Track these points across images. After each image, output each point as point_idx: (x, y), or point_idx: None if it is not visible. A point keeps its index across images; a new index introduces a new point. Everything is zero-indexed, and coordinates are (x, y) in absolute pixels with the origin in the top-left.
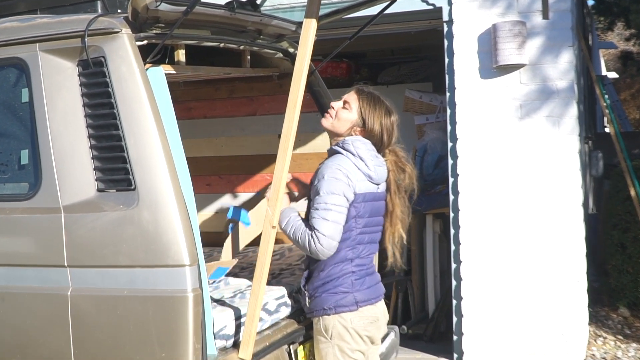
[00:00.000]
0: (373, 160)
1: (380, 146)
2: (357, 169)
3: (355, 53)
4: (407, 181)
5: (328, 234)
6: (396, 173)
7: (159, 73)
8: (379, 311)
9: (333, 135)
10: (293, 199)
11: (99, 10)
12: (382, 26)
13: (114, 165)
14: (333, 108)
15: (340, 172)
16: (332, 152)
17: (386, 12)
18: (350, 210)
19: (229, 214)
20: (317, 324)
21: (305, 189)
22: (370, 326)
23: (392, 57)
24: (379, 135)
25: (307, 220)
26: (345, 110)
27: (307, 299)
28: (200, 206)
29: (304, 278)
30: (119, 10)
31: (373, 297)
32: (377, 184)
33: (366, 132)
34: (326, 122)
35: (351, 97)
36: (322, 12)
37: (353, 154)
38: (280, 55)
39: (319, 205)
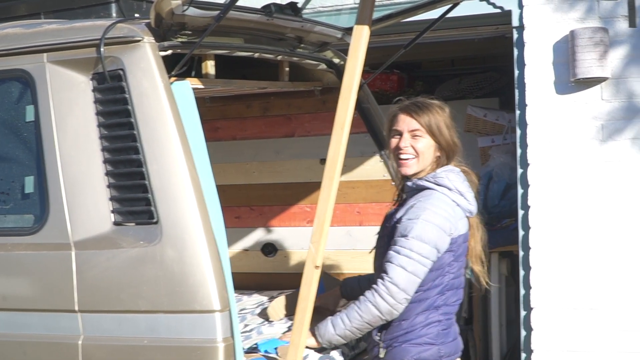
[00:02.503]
0: (470, 192)
1: (457, 149)
2: (457, 206)
3: (408, 63)
4: (474, 185)
5: (402, 286)
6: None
7: (186, 88)
8: None
9: (418, 176)
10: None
11: (114, 15)
12: (440, 32)
13: (133, 195)
14: (404, 148)
15: (440, 216)
16: (418, 189)
17: (446, 16)
18: (446, 255)
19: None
20: None
21: (334, 298)
22: None
23: (452, 68)
24: (451, 139)
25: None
26: (419, 139)
27: (380, 349)
28: (227, 242)
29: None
30: (137, 15)
31: (455, 352)
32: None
33: (446, 146)
34: (411, 168)
35: (406, 121)
36: (374, 15)
37: (450, 189)
38: (323, 66)
39: (401, 249)
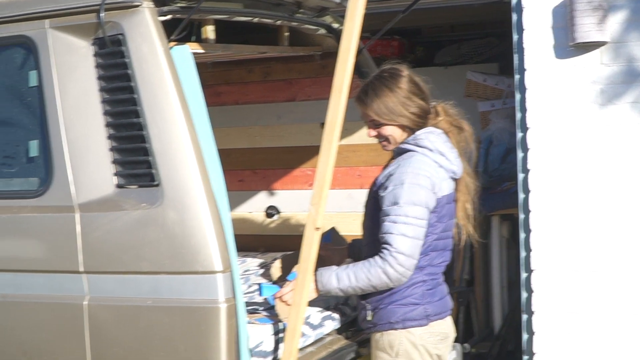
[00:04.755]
0: (452, 152)
1: (427, 112)
2: (439, 167)
3: (409, 29)
4: (465, 142)
5: (409, 253)
6: (454, 134)
7: (185, 52)
8: (449, 327)
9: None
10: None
11: None
12: None
13: (135, 158)
14: (378, 136)
15: (423, 177)
16: (401, 152)
17: None
18: (430, 216)
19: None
20: (380, 339)
21: (341, 255)
22: (440, 344)
23: (452, 34)
24: (416, 108)
25: (369, 239)
26: (381, 127)
27: (367, 311)
28: (231, 205)
29: None
30: None
31: (444, 311)
32: (455, 180)
33: (412, 120)
34: (388, 147)
35: (364, 114)
36: None
37: (431, 150)
38: (322, 31)
39: (397, 217)
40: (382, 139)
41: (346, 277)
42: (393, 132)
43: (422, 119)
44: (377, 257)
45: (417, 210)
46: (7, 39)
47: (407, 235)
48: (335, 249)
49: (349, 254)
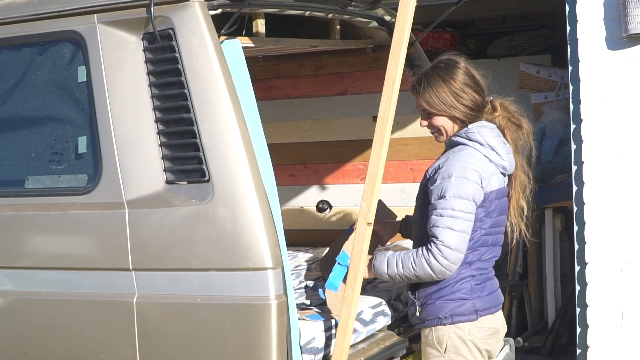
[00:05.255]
0: (503, 147)
1: (481, 106)
2: (490, 162)
3: (461, 21)
4: (523, 140)
5: (455, 246)
6: (511, 131)
7: (236, 46)
8: (499, 322)
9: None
10: (379, 242)
11: None
12: None
13: (185, 154)
14: (429, 126)
15: (471, 170)
16: (453, 144)
17: None
18: (477, 210)
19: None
20: (429, 335)
21: (393, 229)
22: (490, 339)
23: (504, 25)
24: (469, 100)
25: (418, 233)
26: (433, 118)
27: (416, 307)
28: (282, 199)
29: (410, 285)
30: None
31: (493, 306)
32: (507, 176)
33: (464, 113)
34: (441, 138)
35: (417, 104)
36: None
37: (481, 144)
38: (374, 24)
39: (443, 211)
40: (434, 129)
41: (395, 265)
42: (444, 123)
43: (475, 112)
44: (423, 248)
45: (463, 203)
46: (56, 34)
47: (453, 228)
48: (386, 222)
49: (400, 229)
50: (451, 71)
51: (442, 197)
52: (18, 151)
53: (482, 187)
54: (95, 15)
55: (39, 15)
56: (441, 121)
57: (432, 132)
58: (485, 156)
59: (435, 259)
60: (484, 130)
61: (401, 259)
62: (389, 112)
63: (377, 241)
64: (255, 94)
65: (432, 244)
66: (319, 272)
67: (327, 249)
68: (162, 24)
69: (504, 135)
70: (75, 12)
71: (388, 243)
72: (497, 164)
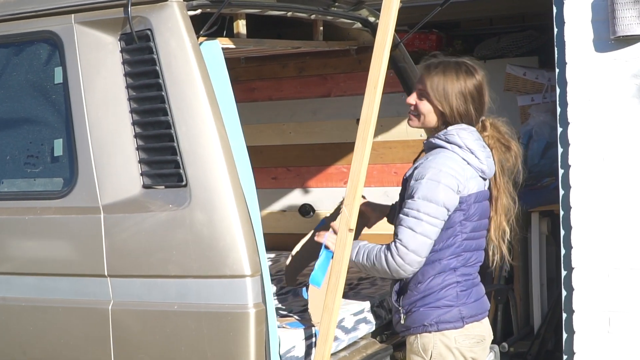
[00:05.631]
0: (483, 151)
1: (470, 120)
2: (468, 165)
3: (447, 22)
4: (511, 162)
5: (412, 248)
6: (500, 152)
7: (215, 48)
8: (485, 329)
9: (428, 132)
10: (365, 224)
11: None
12: None
13: (162, 157)
14: (412, 104)
15: (445, 174)
16: (431, 146)
17: None
18: (456, 214)
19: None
20: (414, 343)
21: (381, 212)
22: (476, 346)
23: (491, 27)
24: (464, 108)
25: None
26: (424, 101)
27: (401, 314)
28: (264, 203)
29: (394, 292)
30: None
31: (480, 313)
32: (487, 180)
33: (451, 115)
34: (413, 123)
35: (421, 81)
36: None
37: (460, 147)
38: (358, 25)
39: (409, 211)
40: (415, 112)
41: (362, 254)
42: (429, 112)
43: (462, 121)
44: (387, 244)
45: (431, 207)
46: (32, 35)
47: (414, 230)
48: (375, 205)
49: (388, 216)
50: (469, 76)
51: (410, 197)
52: None
53: (457, 192)
54: (72, 15)
55: (15, 15)
56: (428, 108)
57: (411, 112)
58: (464, 159)
59: (392, 257)
60: (463, 132)
61: (368, 250)
62: (372, 115)
63: (364, 223)
64: (237, 95)
65: (393, 242)
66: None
67: (290, 254)
68: (139, 24)
69: (492, 156)
70: (52, 12)
71: None
72: (475, 167)
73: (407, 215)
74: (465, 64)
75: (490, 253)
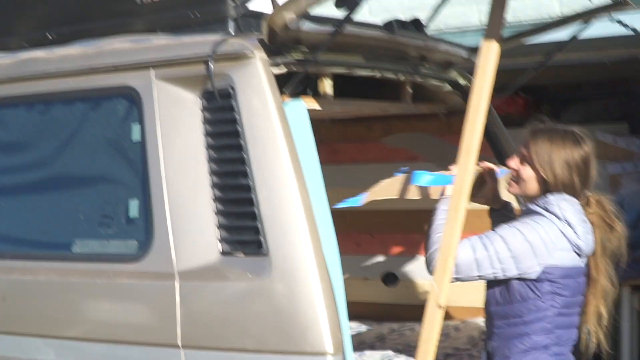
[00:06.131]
0: (582, 225)
1: (573, 191)
2: (563, 236)
3: (534, 86)
4: (615, 243)
5: (458, 262)
6: (603, 231)
7: (300, 108)
8: None
9: (526, 200)
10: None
11: (231, 32)
12: (568, 54)
13: (241, 223)
14: (513, 169)
15: (534, 233)
16: (529, 212)
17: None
18: (544, 285)
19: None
20: None
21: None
22: None
23: (580, 91)
24: (568, 179)
25: None
26: (527, 167)
27: None
28: (346, 270)
29: None
30: (256, 33)
31: None
32: (584, 256)
33: (554, 184)
34: (513, 189)
35: (526, 146)
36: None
37: (559, 218)
38: (448, 87)
39: (483, 237)
40: (516, 177)
41: (436, 220)
42: (531, 178)
43: (564, 191)
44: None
45: (502, 248)
46: (110, 90)
47: (474, 252)
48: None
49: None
50: (576, 145)
51: (493, 230)
52: (66, 212)
53: (537, 258)
54: (152, 70)
55: (94, 68)
56: (530, 175)
57: (511, 178)
58: (560, 230)
59: (434, 256)
60: (563, 203)
61: (439, 220)
62: (465, 184)
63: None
64: (320, 157)
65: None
66: (383, 349)
67: (394, 324)
68: (221, 81)
69: (593, 233)
70: (132, 66)
71: None
72: (571, 240)
73: (480, 238)
74: (574, 132)
75: (584, 335)
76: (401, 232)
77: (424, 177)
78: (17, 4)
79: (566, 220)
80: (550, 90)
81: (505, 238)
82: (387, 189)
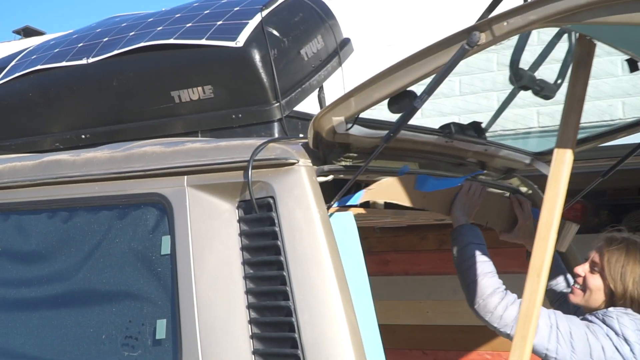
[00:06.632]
0: None
1: (639, 308)
2: (617, 353)
3: (592, 191)
4: None
5: (513, 316)
6: None
7: (348, 220)
8: None
9: (588, 310)
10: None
11: (276, 134)
12: (629, 159)
13: (280, 350)
14: (580, 276)
15: (594, 339)
16: (585, 320)
17: None
18: None
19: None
20: None
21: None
22: None
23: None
24: (638, 294)
25: None
26: (596, 276)
27: None
28: None
29: None
30: (301, 135)
31: None
32: None
33: (621, 298)
34: (576, 298)
35: (598, 253)
36: None
37: (617, 334)
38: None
39: (549, 311)
40: (582, 285)
41: (468, 255)
42: (598, 289)
43: (630, 307)
44: (502, 287)
45: (564, 327)
46: (139, 197)
47: (542, 317)
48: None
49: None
50: None
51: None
52: (87, 331)
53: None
54: (185, 177)
55: (121, 174)
56: (598, 285)
57: (576, 285)
58: (616, 347)
59: (497, 295)
60: (624, 318)
61: (480, 262)
62: (534, 308)
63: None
64: (370, 268)
65: (506, 293)
66: None
67: None
68: (261, 190)
69: None
70: (163, 172)
71: None
72: (626, 358)
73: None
74: None
75: None
76: (455, 349)
77: (430, 182)
78: (51, 103)
79: (624, 337)
80: (609, 195)
81: (572, 321)
82: (387, 190)
